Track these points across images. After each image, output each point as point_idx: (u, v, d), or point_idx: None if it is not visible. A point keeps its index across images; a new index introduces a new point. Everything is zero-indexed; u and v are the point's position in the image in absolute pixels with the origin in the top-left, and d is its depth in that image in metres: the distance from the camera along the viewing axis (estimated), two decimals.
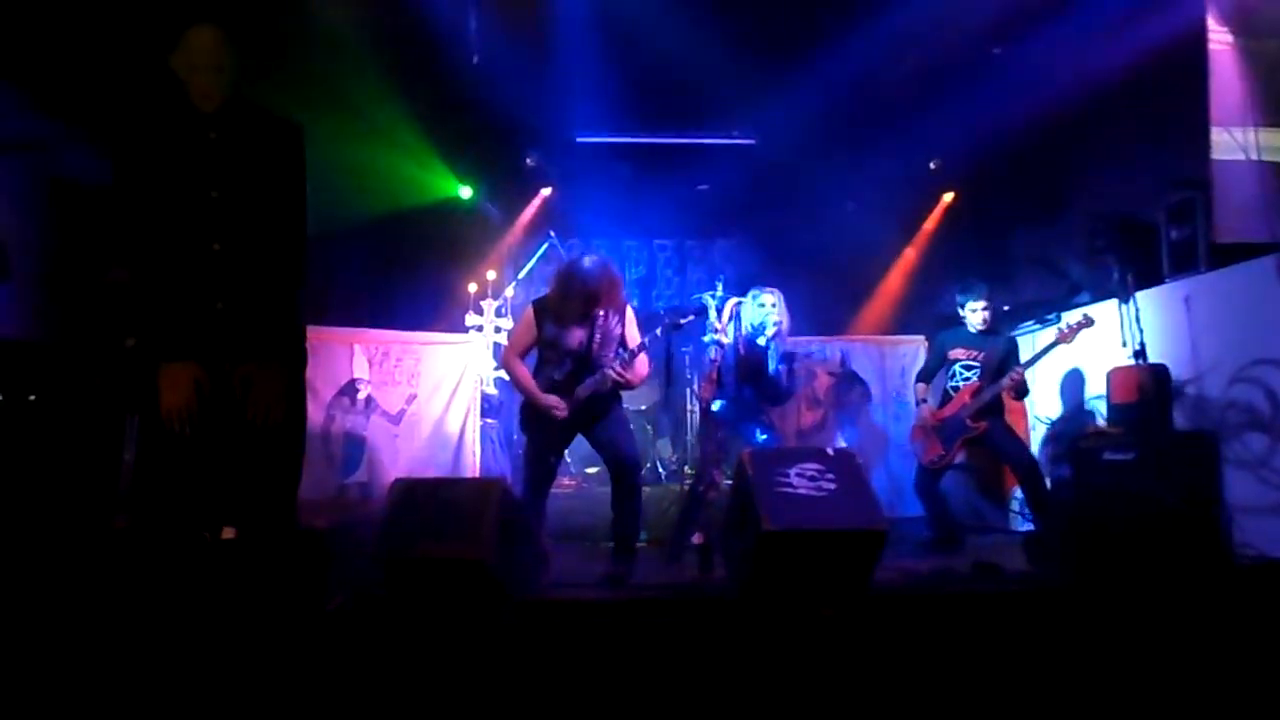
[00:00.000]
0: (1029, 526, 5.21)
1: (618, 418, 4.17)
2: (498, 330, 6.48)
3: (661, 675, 2.61)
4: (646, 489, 4.99)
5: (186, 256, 2.58)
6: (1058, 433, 5.84)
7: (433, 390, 6.07)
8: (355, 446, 5.85)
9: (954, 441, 5.03)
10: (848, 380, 6.62)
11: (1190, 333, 4.79)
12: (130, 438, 3.84)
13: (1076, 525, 3.67)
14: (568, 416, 4.03)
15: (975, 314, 5.19)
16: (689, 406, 6.66)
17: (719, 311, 4.68)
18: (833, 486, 3.40)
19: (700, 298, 4.76)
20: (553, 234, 7.25)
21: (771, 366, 4.73)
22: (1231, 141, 4.62)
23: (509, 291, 7.04)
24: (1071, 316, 5.03)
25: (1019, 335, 5.82)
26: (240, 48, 2.68)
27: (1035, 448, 6.00)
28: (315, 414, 5.49)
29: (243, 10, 2.87)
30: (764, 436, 4.77)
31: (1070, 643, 2.76)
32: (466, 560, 3.12)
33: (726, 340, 4.67)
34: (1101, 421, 5.25)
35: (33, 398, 3.75)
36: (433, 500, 3.35)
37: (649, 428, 6.75)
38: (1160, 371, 4.73)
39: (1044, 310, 5.95)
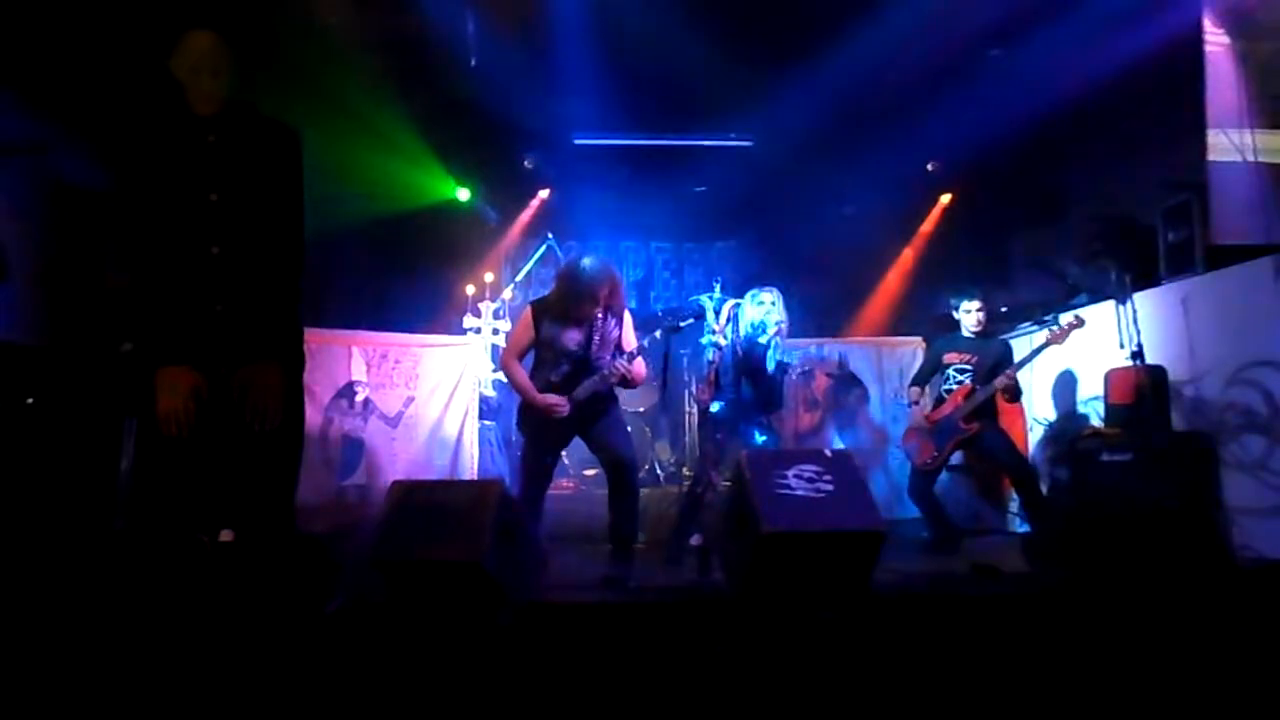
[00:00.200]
0: (1027, 528, 5.22)
1: (615, 419, 4.17)
2: (495, 332, 6.48)
3: (660, 677, 2.61)
4: (645, 491, 4.99)
5: (185, 260, 2.58)
6: (1056, 434, 5.84)
7: (431, 392, 6.07)
8: (353, 449, 5.85)
9: (947, 443, 5.05)
10: (846, 382, 6.63)
11: (1188, 334, 4.79)
12: (128, 441, 3.83)
13: (1075, 526, 3.67)
14: (565, 418, 4.03)
15: (969, 315, 5.21)
16: (687, 408, 6.66)
17: (717, 313, 4.69)
18: (831, 488, 3.40)
19: (698, 300, 4.76)
20: (550, 236, 7.24)
21: (771, 366, 4.73)
22: (1228, 143, 4.63)
23: (507, 294, 7.03)
24: (1065, 318, 5.05)
25: (1017, 337, 5.83)
26: (238, 51, 2.68)
27: (1033, 449, 6.01)
28: (313, 416, 5.48)
29: (240, 14, 2.86)
30: (763, 438, 4.77)
31: (1069, 644, 2.76)
32: (465, 562, 3.12)
33: (724, 342, 4.67)
34: (1099, 423, 5.26)
35: (31, 401, 3.75)
36: (431, 502, 3.34)
37: (647, 430, 6.75)
38: (1158, 373, 4.73)
39: (1042, 312, 5.95)
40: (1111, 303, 4.89)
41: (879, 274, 8.38)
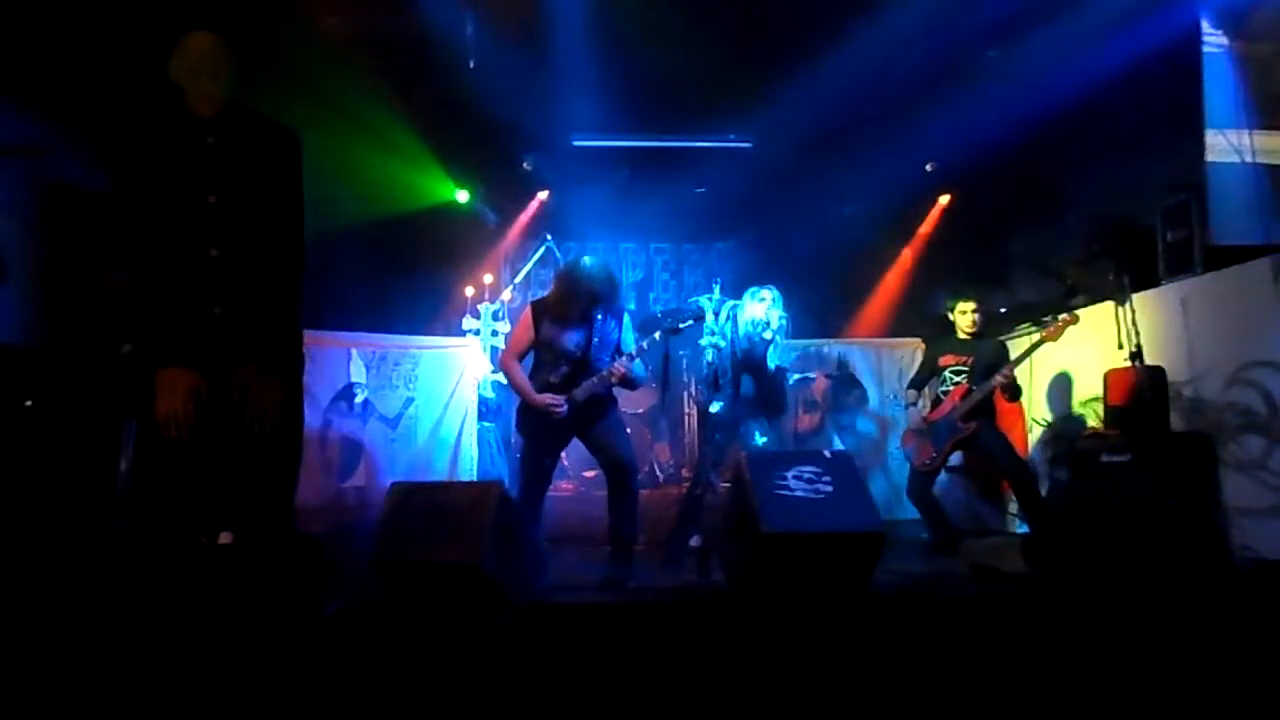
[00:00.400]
0: (1026, 529, 5.22)
1: (614, 421, 4.17)
2: (495, 334, 6.47)
3: (660, 678, 2.61)
4: (644, 492, 4.99)
5: (184, 261, 2.58)
6: (1055, 435, 5.85)
7: (430, 394, 6.08)
8: (353, 450, 5.85)
9: (945, 444, 5.05)
10: (845, 383, 6.64)
11: (1187, 335, 4.79)
12: (127, 443, 3.83)
13: (1074, 527, 3.67)
14: (564, 419, 4.03)
15: (964, 316, 5.22)
16: (686, 410, 6.66)
17: (716, 315, 4.68)
18: (830, 489, 3.40)
19: (697, 301, 4.76)
20: (549, 237, 7.24)
21: (772, 365, 4.73)
22: (1226, 144, 4.64)
23: (506, 295, 7.03)
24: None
25: (1016, 338, 5.83)
26: (237, 53, 2.68)
27: (1033, 450, 6.01)
28: (312, 418, 5.47)
29: (240, 15, 2.86)
30: (763, 439, 4.77)
31: (1069, 644, 2.76)
32: (464, 564, 3.12)
33: (723, 344, 4.67)
34: (1098, 424, 5.26)
35: (30, 403, 3.74)
36: (430, 504, 3.34)
37: (647, 431, 6.75)
38: (1157, 374, 4.74)
39: (1040, 313, 5.96)
40: (1110, 303, 4.89)
41: (878, 274, 8.38)
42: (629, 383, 4.14)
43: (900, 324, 7.75)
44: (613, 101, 6.69)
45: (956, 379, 5.15)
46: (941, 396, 5.20)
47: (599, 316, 4.09)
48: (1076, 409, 5.70)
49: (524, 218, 8.31)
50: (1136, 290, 4.87)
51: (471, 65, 6.40)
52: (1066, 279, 6.20)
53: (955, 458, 5.33)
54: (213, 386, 2.56)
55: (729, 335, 4.68)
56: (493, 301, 6.65)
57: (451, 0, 6.04)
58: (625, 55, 6.25)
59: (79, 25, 4.66)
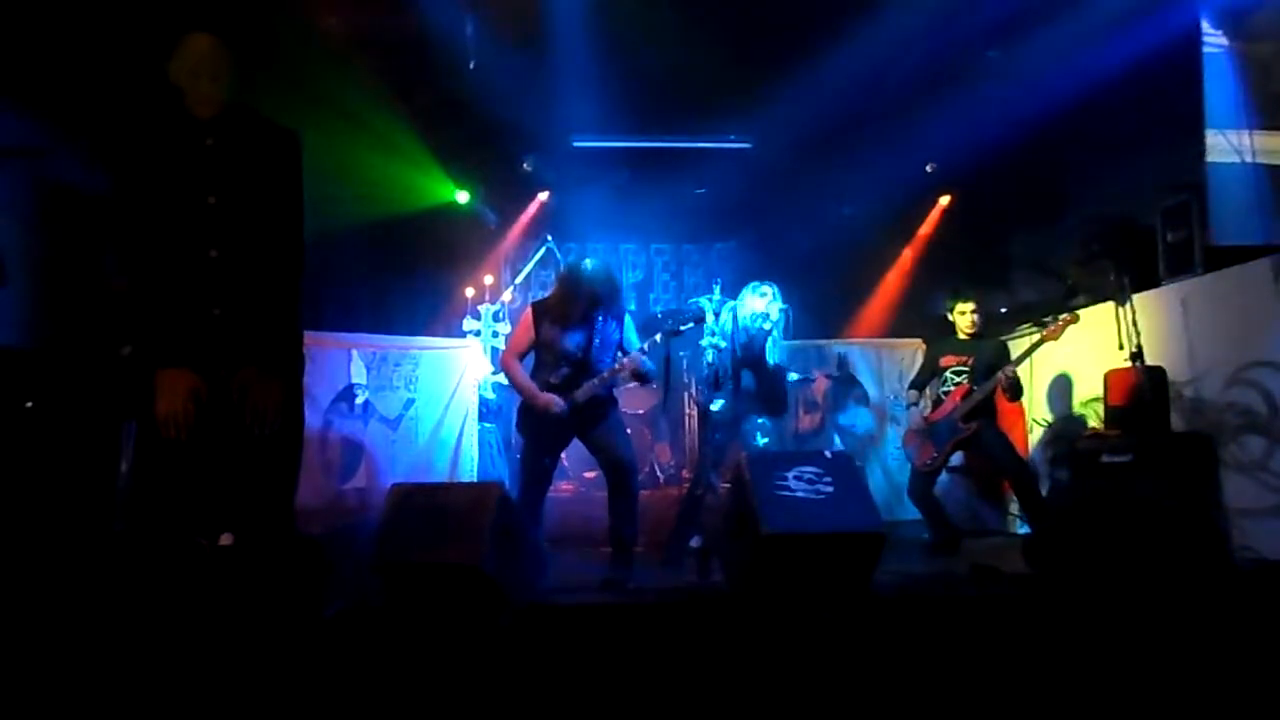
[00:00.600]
0: (1027, 529, 5.22)
1: (615, 422, 4.17)
2: (495, 335, 6.47)
3: (660, 679, 2.61)
4: (644, 493, 4.99)
5: (183, 263, 2.58)
6: (1055, 435, 5.85)
7: (430, 395, 6.07)
8: (353, 452, 5.85)
9: (946, 444, 5.05)
10: (845, 383, 6.63)
11: (1187, 335, 4.79)
12: (127, 444, 3.83)
13: (1075, 527, 3.67)
14: (564, 419, 4.03)
15: (964, 317, 5.22)
16: (687, 410, 6.66)
17: (716, 315, 4.68)
18: (830, 489, 3.40)
19: (698, 302, 4.76)
20: (550, 238, 7.24)
21: (771, 359, 4.72)
22: (1226, 144, 4.63)
23: (506, 296, 7.03)
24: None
25: (1016, 338, 5.83)
26: (237, 54, 2.68)
27: (1033, 450, 6.01)
28: (313, 419, 5.47)
29: (239, 16, 2.86)
30: (763, 440, 4.77)
31: (1069, 645, 2.76)
32: (464, 565, 3.12)
33: (723, 344, 4.66)
34: (1099, 424, 5.25)
35: (30, 404, 3.74)
36: (430, 505, 3.35)
37: (647, 431, 6.75)
38: (1157, 374, 4.73)
39: (1041, 313, 5.96)
40: (1110, 304, 4.89)
41: (878, 275, 8.38)
42: (641, 376, 4.14)
43: (900, 324, 7.75)
44: (613, 102, 6.69)
45: (957, 379, 5.15)
46: (942, 397, 5.20)
47: (600, 318, 4.09)
48: (1077, 409, 5.70)
49: (524, 218, 8.31)
50: (1137, 290, 4.87)
51: (471, 66, 6.40)
52: (1066, 279, 6.19)
53: (956, 458, 5.33)
54: (213, 388, 2.56)
55: (729, 332, 4.68)
56: (493, 302, 6.66)
57: (451, 0, 6.04)
58: (625, 56, 6.25)
59: (79, 27, 4.67)
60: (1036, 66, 5.96)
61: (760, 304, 4.71)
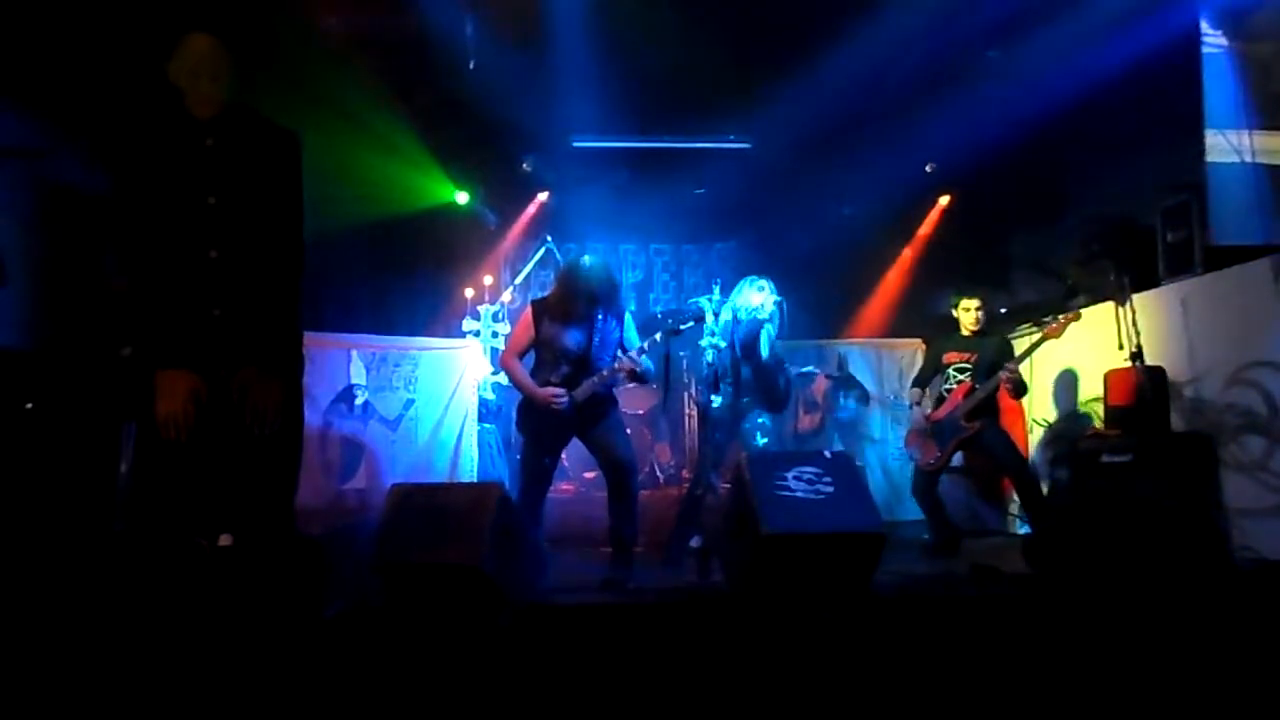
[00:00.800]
0: (1027, 529, 5.22)
1: (614, 421, 4.17)
2: (495, 335, 6.47)
3: (660, 680, 2.61)
4: (644, 493, 4.98)
5: (183, 263, 2.58)
6: (1056, 435, 5.85)
7: (430, 395, 6.08)
8: (353, 452, 5.85)
9: (949, 443, 5.04)
10: (845, 383, 6.63)
11: (1187, 335, 4.79)
12: (127, 445, 3.83)
13: (1075, 527, 3.67)
14: (565, 417, 4.03)
15: (968, 314, 5.21)
16: (687, 410, 6.66)
17: (716, 315, 4.68)
18: (830, 489, 3.40)
19: (697, 302, 4.76)
20: (549, 238, 7.24)
21: (765, 351, 4.72)
22: (1226, 144, 4.63)
23: (506, 296, 7.03)
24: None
25: (1017, 338, 5.83)
26: (236, 54, 2.68)
27: (1033, 450, 6.01)
28: (312, 420, 5.47)
29: (239, 17, 2.86)
30: (763, 440, 4.77)
31: (1069, 645, 2.76)
32: (464, 565, 3.12)
33: (723, 345, 4.66)
34: (1099, 424, 5.25)
35: (30, 406, 3.74)
36: (430, 506, 3.35)
37: (647, 432, 6.75)
38: (1157, 374, 4.73)
39: (1041, 313, 5.96)
40: (1110, 304, 4.89)
41: (878, 275, 8.37)
42: (638, 376, 4.14)
43: (900, 324, 7.74)
44: (612, 102, 6.69)
45: (960, 376, 5.14)
46: (944, 395, 5.18)
47: (600, 316, 4.09)
48: (1077, 409, 5.69)
49: (524, 219, 8.30)
50: (1136, 290, 4.87)
51: (471, 66, 6.40)
52: (1067, 279, 6.20)
53: (956, 457, 5.33)
54: (212, 388, 2.56)
55: (728, 330, 4.67)
56: (493, 303, 6.66)
57: (451, 0, 6.04)
58: (624, 56, 6.25)
59: (79, 27, 4.67)
60: (1036, 66, 5.96)
61: (758, 298, 4.72)
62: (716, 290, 4.78)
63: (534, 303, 4.23)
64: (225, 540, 2.63)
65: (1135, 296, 4.78)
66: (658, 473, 6.66)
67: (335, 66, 5.94)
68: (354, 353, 5.93)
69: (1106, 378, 5.03)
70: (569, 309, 4.07)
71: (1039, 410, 5.98)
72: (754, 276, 4.83)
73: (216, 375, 2.57)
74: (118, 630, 2.42)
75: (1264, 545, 4.10)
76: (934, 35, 6.03)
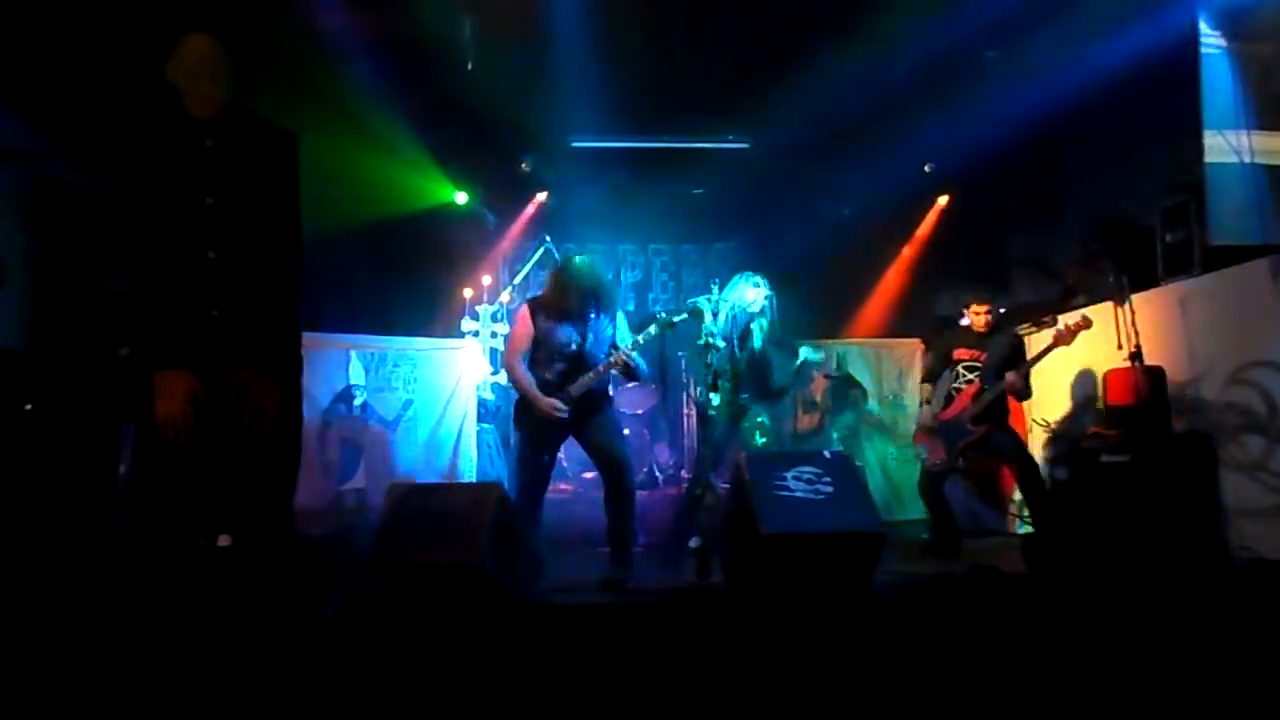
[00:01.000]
0: (1027, 529, 5.21)
1: (610, 420, 4.18)
2: (494, 335, 6.47)
3: (660, 679, 2.61)
4: (644, 493, 4.98)
5: (181, 264, 2.58)
6: (1055, 435, 5.84)
7: (429, 396, 6.08)
8: (351, 453, 5.85)
9: (956, 445, 5.01)
10: (844, 383, 6.63)
11: (1186, 335, 4.80)
12: (126, 446, 3.83)
13: (1074, 527, 3.67)
14: (560, 416, 4.04)
15: (978, 317, 5.18)
16: (685, 410, 6.66)
17: (715, 316, 4.68)
18: (830, 489, 3.40)
19: (695, 302, 4.76)
20: (548, 239, 7.24)
21: (758, 344, 4.71)
22: (1225, 145, 4.63)
23: (505, 296, 7.03)
24: (1070, 318, 5.03)
25: (1025, 333, 5.79)
26: (235, 55, 2.68)
27: (1033, 450, 6.00)
28: (311, 420, 5.48)
29: (237, 17, 2.86)
30: (763, 440, 4.77)
31: (1069, 645, 2.76)
32: (463, 565, 3.12)
33: (722, 345, 4.65)
34: (1099, 424, 5.25)
35: (29, 406, 3.74)
36: (429, 506, 3.35)
37: (646, 432, 6.75)
38: (1157, 374, 4.73)
39: (1040, 313, 5.96)
40: (1110, 304, 4.88)
41: (877, 275, 8.37)
42: (630, 372, 4.15)
43: (899, 324, 7.75)
44: (611, 103, 6.69)
45: (969, 375, 5.10)
46: (953, 394, 5.14)
47: (593, 314, 4.11)
48: (1077, 409, 5.69)
49: (522, 219, 8.30)
50: (1136, 290, 4.87)
51: (470, 66, 6.40)
52: (1066, 279, 6.20)
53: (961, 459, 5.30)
54: (211, 389, 2.55)
55: (725, 327, 4.67)
56: (491, 303, 6.66)
57: (450, 1, 6.04)
58: (623, 56, 6.24)
59: (78, 28, 4.67)
60: (1036, 66, 5.96)
61: (753, 293, 4.73)
62: (715, 290, 4.78)
63: (529, 301, 4.25)
64: (224, 541, 2.63)
65: (1134, 296, 4.77)
66: (657, 473, 6.66)
67: (335, 66, 5.93)
68: (353, 353, 5.93)
69: (1106, 378, 5.03)
70: (563, 306, 4.09)
71: (1039, 410, 5.97)
72: (749, 272, 4.83)
73: (215, 376, 2.56)
74: (117, 631, 2.42)
75: (1263, 545, 4.10)
76: (933, 35, 6.03)
